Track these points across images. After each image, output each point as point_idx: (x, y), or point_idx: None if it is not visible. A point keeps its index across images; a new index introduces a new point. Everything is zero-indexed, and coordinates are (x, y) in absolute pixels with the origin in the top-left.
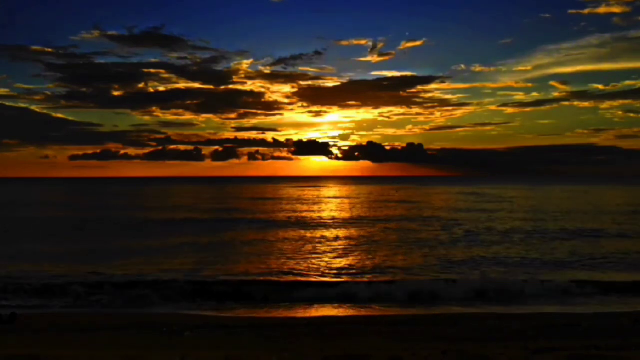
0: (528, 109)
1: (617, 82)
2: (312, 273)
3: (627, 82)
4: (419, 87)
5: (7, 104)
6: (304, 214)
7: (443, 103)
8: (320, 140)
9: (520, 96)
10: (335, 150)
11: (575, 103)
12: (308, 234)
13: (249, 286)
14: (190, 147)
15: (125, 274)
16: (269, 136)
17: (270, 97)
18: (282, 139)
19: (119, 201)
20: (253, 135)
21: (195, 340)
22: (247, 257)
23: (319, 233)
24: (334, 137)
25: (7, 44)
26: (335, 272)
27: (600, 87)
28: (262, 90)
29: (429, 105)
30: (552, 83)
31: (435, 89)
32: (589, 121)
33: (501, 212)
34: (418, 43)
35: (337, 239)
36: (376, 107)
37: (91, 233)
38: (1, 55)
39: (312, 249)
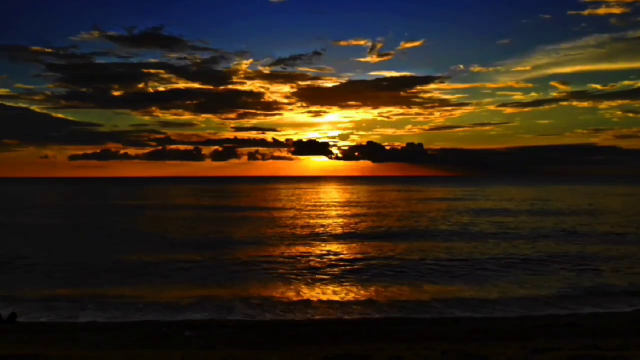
0: (527, 109)
1: (616, 83)
2: None
3: (626, 82)
4: (418, 88)
5: (8, 104)
6: None
7: (442, 103)
8: (320, 140)
9: (519, 96)
10: (335, 150)
11: (574, 103)
12: None
13: None
14: (190, 147)
15: None
16: (269, 136)
17: (270, 97)
18: (282, 139)
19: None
20: (253, 135)
21: (195, 340)
22: None
23: None
24: (333, 137)
25: (7, 44)
26: None
27: (599, 87)
28: (262, 90)
29: (429, 105)
30: (551, 83)
31: (434, 89)
32: (588, 121)
33: None
34: (417, 43)
35: None
36: (376, 107)
37: None
38: (1, 55)
39: None
